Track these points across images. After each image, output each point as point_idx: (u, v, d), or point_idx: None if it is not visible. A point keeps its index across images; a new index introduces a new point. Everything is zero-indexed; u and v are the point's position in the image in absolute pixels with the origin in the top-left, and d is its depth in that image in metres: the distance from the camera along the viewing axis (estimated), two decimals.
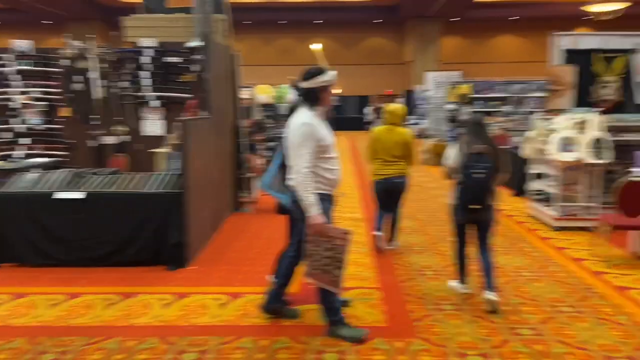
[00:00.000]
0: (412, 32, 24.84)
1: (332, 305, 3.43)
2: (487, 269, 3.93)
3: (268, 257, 5.14)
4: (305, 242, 3.30)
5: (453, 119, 11.74)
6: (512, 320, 3.63)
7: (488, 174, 3.83)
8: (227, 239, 5.88)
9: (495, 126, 11.55)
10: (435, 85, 16.02)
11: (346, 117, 26.92)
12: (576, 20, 21.91)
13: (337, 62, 26.48)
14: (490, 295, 3.81)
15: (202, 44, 5.76)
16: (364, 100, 26.95)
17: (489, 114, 13.32)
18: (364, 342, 3.31)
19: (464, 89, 12.94)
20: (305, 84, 3.30)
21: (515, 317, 3.70)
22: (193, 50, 5.91)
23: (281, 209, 3.75)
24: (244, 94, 7.92)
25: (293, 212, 3.45)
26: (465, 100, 12.63)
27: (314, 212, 3.19)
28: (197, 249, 5.13)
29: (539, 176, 6.78)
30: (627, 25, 17.05)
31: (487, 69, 23.58)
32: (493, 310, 3.80)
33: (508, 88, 13.09)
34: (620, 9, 19.10)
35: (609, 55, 6.77)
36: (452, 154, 4.05)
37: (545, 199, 6.50)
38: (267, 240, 5.81)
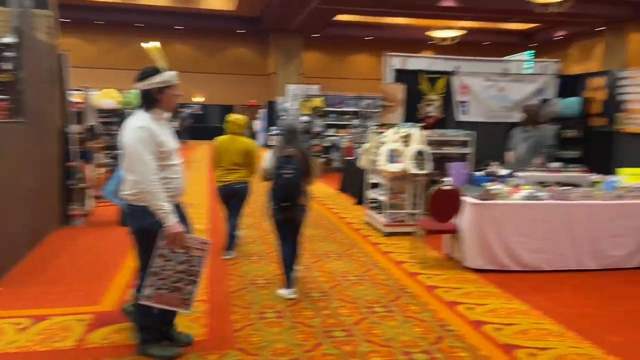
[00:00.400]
0: (275, 44, 25.23)
1: (148, 324, 3.24)
2: (290, 260, 4.35)
3: (93, 273, 4.79)
4: (154, 256, 3.02)
5: (307, 131, 12.17)
6: (329, 324, 3.77)
7: (296, 175, 4.18)
8: (48, 255, 5.34)
9: (345, 138, 12.19)
10: (293, 98, 16.44)
11: (209, 126, 26.41)
12: (423, 43, 24.03)
13: (199, 70, 25.92)
14: (285, 292, 4.27)
15: (17, 40, 5.19)
16: (227, 110, 26.54)
17: (341, 126, 14.04)
18: (176, 359, 3.19)
19: (317, 102, 13.47)
20: (139, 85, 3.06)
21: (333, 320, 3.84)
22: (7, 47, 5.30)
23: (124, 220, 3.47)
24: (77, 97, 7.31)
25: (129, 225, 3.17)
26: (318, 113, 13.14)
27: (170, 222, 2.96)
28: (2, 269, 4.57)
29: (375, 185, 7.23)
30: (464, 49, 19.22)
31: (344, 84, 24.80)
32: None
33: (358, 103, 13.90)
34: (458, 36, 21.58)
35: (433, 76, 7.51)
36: (268, 158, 4.38)
37: (378, 207, 6.95)
38: (96, 256, 5.39)
